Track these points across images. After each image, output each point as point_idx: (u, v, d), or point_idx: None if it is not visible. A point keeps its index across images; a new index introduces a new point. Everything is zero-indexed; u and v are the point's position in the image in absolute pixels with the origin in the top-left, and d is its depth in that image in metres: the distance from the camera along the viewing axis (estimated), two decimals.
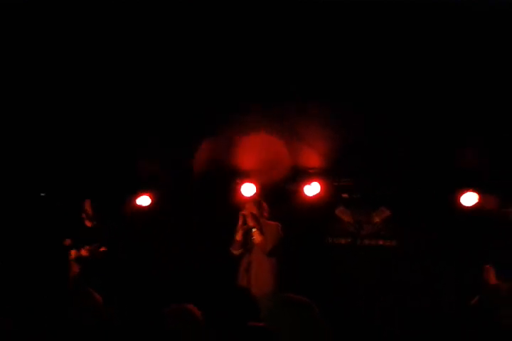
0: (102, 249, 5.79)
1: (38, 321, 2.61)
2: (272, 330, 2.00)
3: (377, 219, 6.48)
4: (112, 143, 5.66)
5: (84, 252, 5.69)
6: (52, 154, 5.88)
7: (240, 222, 5.26)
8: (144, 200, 6.65)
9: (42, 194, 6.71)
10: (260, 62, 4.04)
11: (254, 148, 5.58)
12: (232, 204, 6.33)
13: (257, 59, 4.01)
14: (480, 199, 5.66)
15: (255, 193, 6.20)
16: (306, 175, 6.16)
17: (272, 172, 5.88)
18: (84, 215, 5.98)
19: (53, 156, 5.91)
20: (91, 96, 4.57)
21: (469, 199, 5.73)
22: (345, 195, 6.39)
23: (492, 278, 4.80)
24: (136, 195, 6.61)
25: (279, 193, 6.30)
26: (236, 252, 5.31)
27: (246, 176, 6.26)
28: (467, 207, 5.75)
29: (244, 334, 2.05)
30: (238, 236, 5.22)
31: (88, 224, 6.02)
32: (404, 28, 3.46)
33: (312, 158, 5.91)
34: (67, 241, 5.95)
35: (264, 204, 5.46)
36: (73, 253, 5.74)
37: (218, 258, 5.93)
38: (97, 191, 6.33)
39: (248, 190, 6.25)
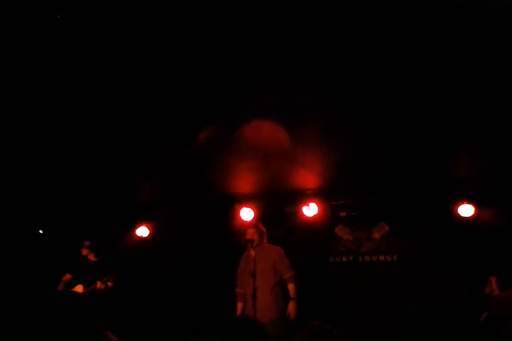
0: (110, 283, 5.63)
1: None
2: None
3: (377, 235, 6.50)
4: (109, 174, 5.66)
5: (99, 285, 5.55)
6: (50, 190, 5.87)
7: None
8: (143, 231, 6.66)
9: (40, 231, 6.68)
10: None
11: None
12: (230, 230, 6.37)
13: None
14: (476, 211, 5.72)
15: (254, 217, 6.23)
16: (304, 196, 6.20)
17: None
18: (85, 251, 5.92)
19: (51, 192, 5.91)
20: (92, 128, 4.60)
21: (466, 210, 5.80)
22: (343, 214, 6.42)
23: (495, 288, 4.82)
24: (135, 226, 6.62)
25: (278, 215, 6.32)
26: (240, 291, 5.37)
27: (244, 201, 6.29)
28: (465, 218, 5.80)
29: None
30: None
31: (92, 258, 5.96)
32: (398, 31, 3.49)
33: (308, 179, 5.96)
34: (67, 277, 5.87)
35: (263, 229, 5.46)
36: (80, 288, 5.66)
37: (220, 286, 5.91)
38: (96, 225, 6.33)
39: (247, 214, 6.28)
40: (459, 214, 5.81)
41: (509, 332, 4.46)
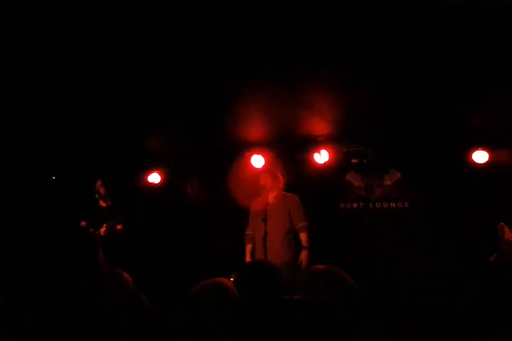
0: (119, 226, 5.86)
1: (68, 304, 2.66)
2: (307, 302, 2.06)
3: (388, 182, 6.50)
4: (120, 121, 5.63)
5: (102, 231, 5.76)
6: (61, 136, 5.87)
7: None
8: (154, 177, 6.70)
9: (53, 177, 6.74)
10: (265, 33, 3.96)
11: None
12: (243, 177, 6.39)
13: (261, 28, 3.92)
14: (491, 154, 5.65)
15: (266, 164, 6.23)
16: (315, 143, 6.14)
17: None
18: (97, 196, 6.03)
19: (62, 138, 5.91)
20: (98, 75, 4.51)
21: (480, 156, 5.73)
22: (354, 161, 6.38)
23: (507, 234, 4.85)
24: (147, 172, 6.66)
25: (289, 163, 6.30)
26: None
27: (255, 148, 6.26)
28: (478, 164, 5.75)
29: (281, 307, 2.10)
30: None
31: (103, 204, 6.08)
32: None
33: (320, 126, 5.88)
34: (83, 223, 6.03)
35: (279, 175, 5.47)
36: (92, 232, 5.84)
37: (231, 231, 6.00)
38: (107, 170, 6.37)
39: (258, 161, 6.27)
40: (472, 161, 5.75)
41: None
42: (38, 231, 6.22)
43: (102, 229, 5.76)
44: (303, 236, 5.27)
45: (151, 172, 6.67)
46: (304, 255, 5.17)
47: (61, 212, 6.34)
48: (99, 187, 6.05)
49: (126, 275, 2.91)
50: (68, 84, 4.61)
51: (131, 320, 2.29)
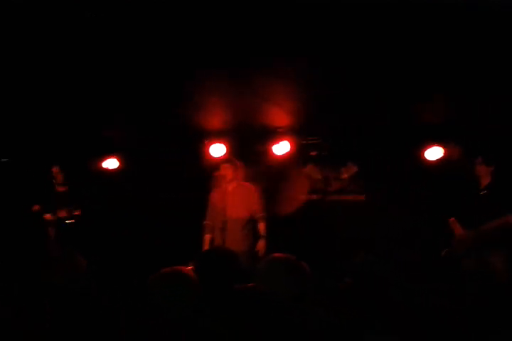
0: (77, 212, 5.77)
1: (19, 287, 2.60)
2: (263, 289, 2.07)
3: (345, 175, 6.59)
4: (77, 105, 5.48)
5: (62, 214, 5.67)
6: (16, 119, 5.67)
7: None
8: (111, 163, 6.57)
9: (3, 159, 6.52)
10: (222, 22, 3.92)
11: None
12: (202, 166, 6.35)
13: (217, 18, 3.88)
14: (445, 151, 5.82)
15: (225, 154, 6.20)
16: (275, 135, 6.16)
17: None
18: (54, 181, 5.92)
19: (17, 121, 5.71)
20: (55, 64, 4.37)
21: (434, 153, 5.90)
22: (313, 153, 6.44)
23: (457, 229, 4.99)
24: (103, 158, 6.53)
25: (248, 153, 6.30)
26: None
27: (214, 137, 6.22)
28: (431, 161, 5.92)
29: (237, 295, 2.11)
30: None
31: (60, 189, 5.96)
32: None
33: (280, 117, 5.90)
34: (36, 207, 5.89)
35: (240, 165, 5.46)
36: (48, 217, 5.72)
37: (190, 219, 5.96)
38: (64, 155, 6.22)
39: (217, 150, 6.23)
40: (427, 156, 5.91)
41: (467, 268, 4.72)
42: None
43: (62, 214, 5.67)
44: (261, 226, 5.31)
45: (108, 158, 6.55)
46: (261, 244, 5.21)
47: (11, 196, 6.15)
48: (56, 172, 5.93)
49: (81, 257, 2.86)
50: (25, 71, 4.47)
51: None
